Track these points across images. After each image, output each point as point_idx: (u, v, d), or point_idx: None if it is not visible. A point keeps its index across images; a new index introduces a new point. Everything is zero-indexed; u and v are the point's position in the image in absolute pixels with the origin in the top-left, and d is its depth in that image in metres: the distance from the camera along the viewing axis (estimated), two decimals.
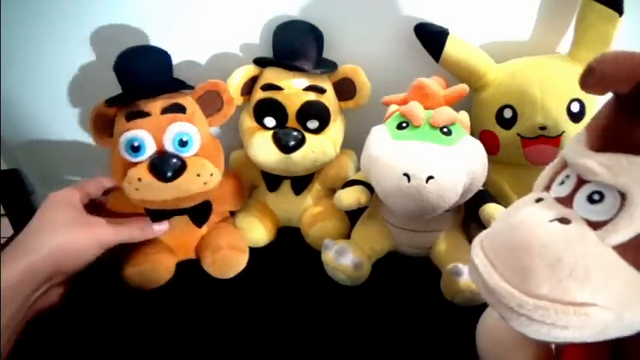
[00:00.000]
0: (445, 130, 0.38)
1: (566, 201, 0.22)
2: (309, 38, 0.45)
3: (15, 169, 0.56)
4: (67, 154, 0.55)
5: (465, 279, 0.37)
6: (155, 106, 0.37)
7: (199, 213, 0.40)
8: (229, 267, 0.42)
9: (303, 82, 0.44)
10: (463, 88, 0.41)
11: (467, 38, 0.44)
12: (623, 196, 0.20)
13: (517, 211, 0.24)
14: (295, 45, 0.44)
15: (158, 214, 0.39)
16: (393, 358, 0.36)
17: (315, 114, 0.44)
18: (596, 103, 0.42)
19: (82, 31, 0.47)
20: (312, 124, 0.44)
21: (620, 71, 0.19)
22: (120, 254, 0.41)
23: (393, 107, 0.42)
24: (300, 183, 0.48)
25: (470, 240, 0.44)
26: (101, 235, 0.36)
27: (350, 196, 0.42)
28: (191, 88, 0.40)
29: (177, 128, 0.36)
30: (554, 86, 0.41)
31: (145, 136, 0.36)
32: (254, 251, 0.46)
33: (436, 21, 0.45)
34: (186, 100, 0.39)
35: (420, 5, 0.46)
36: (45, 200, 0.37)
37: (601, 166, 0.20)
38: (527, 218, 0.22)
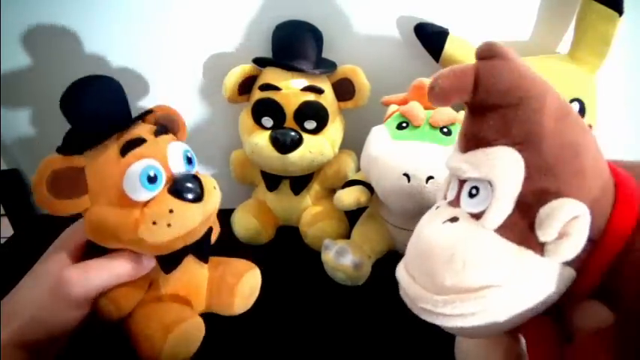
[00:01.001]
0: (445, 130, 0.38)
1: (455, 202, 0.26)
2: (308, 38, 0.45)
3: (15, 169, 0.56)
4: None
5: None
6: (143, 130, 0.31)
7: (203, 244, 0.34)
8: (255, 289, 0.38)
9: (301, 82, 0.43)
10: None
11: (467, 38, 0.44)
12: (491, 185, 0.23)
13: (422, 224, 0.27)
14: (294, 45, 0.44)
15: (171, 260, 0.33)
16: (393, 358, 0.36)
17: (312, 114, 0.44)
18: (596, 103, 0.42)
19: (80, 31, 0.47)
20: (310, 124, 0.44)
21: (455, 84, 0.23)
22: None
23: (392, 107, 0.42)
24: (299, 183, 0.48)
25: None
26: (72, 287, 0.29)
27: (350, 196, 0.42)
28: (149, 111, 0.35)
29: (179, 147, 0.32)
30: (554, 86, 0.40)
31: (156, 163, 0.30)
32: (253, 250, 0.46)
33: (436, 21, 0.45)
34: (146, 127, 0.33)
35: (420, 5, 0.46)
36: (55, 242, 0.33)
37: (466, 163, 0.24)
38: (425, 226, 0.26)
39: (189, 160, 0.32)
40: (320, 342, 0.38)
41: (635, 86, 0.48)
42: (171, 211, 0.29)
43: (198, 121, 0.53)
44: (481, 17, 0.46)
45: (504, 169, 0.22)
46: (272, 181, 0.48)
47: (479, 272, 0.22)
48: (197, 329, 0.33)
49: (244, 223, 0.48)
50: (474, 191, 0.24)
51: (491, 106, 0.23)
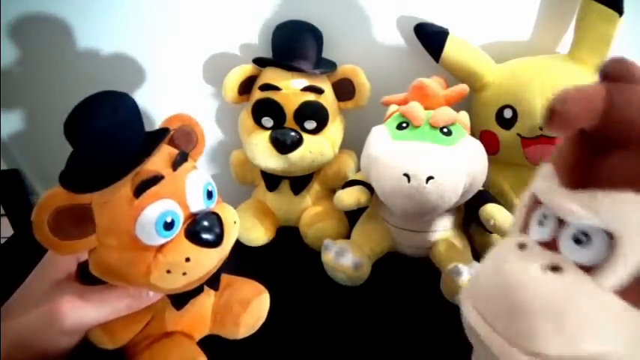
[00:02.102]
0: (445, 130, 0.38)
1: (551, 245, 0.21)
2: (309, 38, 0.45)
3: (15, 169, 0.56)
4: (67, 154, 0.55)
5: (465, 279, 0.37)
6: (160, 164, 0.27)
7: (214, 276, 0.31)
8: (262, 316, 0.35)
9: (301, 82, 0.43)
10: (463, 88, 0.41)
11: (467, 38, 0.44)
12: (610, 235, 0.19)
13: (503, 262, 0.22)
14: (294, 45, 0.44)
15: (184, 296, 0.30)
16: (393, 358, 0.36)
17: (312, 114, 0.44)
18: None
19: (83, 32, 0.47)
20: (310, 124, 0.44)
21: (584, 109, 0.19)
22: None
23: (392, 107, 0.42)
24: (299, 183, 0.48)
25: (470, 240, 0.44)
26: (62, 320, 0.26)
27: (350, 196, 0.42)
28: (167, 129, 0.30)
29: (199, 180, 0.28)
30: (554, 86, 0.40)
31: (173, 205, 0.26)
32: (253, 251, 0.46)
33: (436, 21, 0.45)
34: (169, 147, 0.30)
35: (420, 5, 0.46)
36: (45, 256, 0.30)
37: (581, 206, 0.19)
38: (517, 272, 0.21)
39: (209, 194, 0.29)
40: (320, 342, 0.38)
41: None
42: (187, 259, 0.26)
43: (198, 121, 0.53)
44: (481, 17, 0.46)
45: (638, 222, 0.18)
46: (272, 181, 0.48)
47: (596, 338, 0.18)
48: None
49: (244, 223, 0.48)
50: (582, 238, 0.20)
51: (623, 140, 0.19)
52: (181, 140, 0.31)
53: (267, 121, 0.44)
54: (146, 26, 0.47)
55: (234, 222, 0.29)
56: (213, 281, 0.31)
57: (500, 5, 0.45)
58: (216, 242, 0.27)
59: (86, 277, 0.29)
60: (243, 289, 0.35)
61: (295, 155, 0.43)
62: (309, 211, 0.48)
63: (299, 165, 0.44)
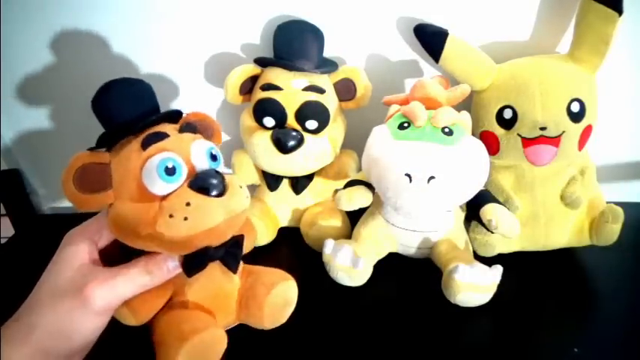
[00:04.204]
0: (447, 130, 0.38)
1: None
2: (310, 38, 0.45)
3: (15, 169, 0.56)
4: (67, 154, 0.55)
5: (466, 279, 0.37)
6: (168, 127, 0.32)
7: (231, 253, 0.33)
8: (288, 301, 0.36)
9: (302, 82, 0.44)
10: (465, 88, 0.41)
11: (467, 38, 0.44)
12: None
13: None
14: (296, 45, 0.44)
15: (195, 263, 0.31)
16: (394, 358, 0.36)
17: (314, 114, 0.44)
18: (597, 103, 0.42)
19: (81, 31, 0.47)
20: (311, 124, 0.44)
21: None
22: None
23: (394, 107, 0.42)
24: (300, 183, 0.48)
25: (470, 240, 0.44)
26: (94, 300, 0.28)
27: (351, 196, 0.42)
28: (180, 113, 0.34)
29: (203, 144, 0.31)
30: (554, 86, 0.41)
31: (176, 156, 0.29)
32: (254, 251, 0.45)
33: (436, 21, 0.45)
34: (172, 125, 0.33)
35: (420, 5, 0.46)
36: (60, 245, 0.32)
37: None
38: None
39: (214, 158, 0.32)
40: (321, 342, 0.38)
41: (635, 86, 0.49)
42: (188, 204, 0.28)
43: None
44: (481, 17, 0.46)
45: None
46: (273, 181, 0.48)
47: None
48: (217, 341, 0.32)
49: None
50: None
51: None
52: (201, 132, 0.34)
53: (269, 121, 0.44)
54: (146, 26, 0.47)
55: (240, 186, 0.31)
56: (230, 261, 0.33)
57: (500, 5, 0.45)
58: (216, 192, 0.29)
59: (111, 264, 0.31)
60: (269, 274, 0.36)
61: (296, 155, 0.43)
62: (310, 211, 0.48)
63: (300, 165, 0.44)
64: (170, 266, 0.31)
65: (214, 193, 0.29)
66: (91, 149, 0.30)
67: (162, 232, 0.28)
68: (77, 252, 0.31)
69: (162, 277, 0.31)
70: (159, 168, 0.28)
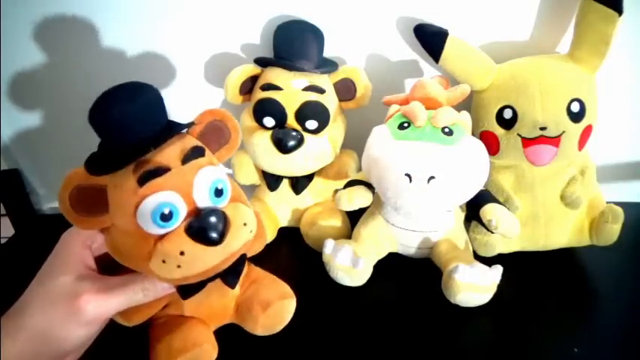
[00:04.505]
0: (447, 130, 0.38)
1: None
2: (310, 38, 0.45)
3: (15, 169, 0.56)
4: (67, 154, 0.55)
5: (466, 279, 0.37)
6: (171, 155, 0.27)
7: (232, 270, 0.31)
8: (282, 320, 0.36)
9: (302, 82, 0.44)
10: (465, 88, 0.41)
11: (467, 38, 0.44)
12: None
13: None
14: (296, 45, 0.44)
15: (191, 287, 0.30)
16: (394, 358, 0.36)
17: (314, 114, 0.44)
18: (597, 103, 0.42)
19: (81, 31, 0.47)
20: (311, 124, 0.44)
21: None
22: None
23: (394, 107, 0.42)
24: (300, 183, 0.48)
25: (470, 240, 0.44)
26: (86, 312, 0.28)
27: (351, 197, 0.42)
28: (190, 125, 0.30)
29: (208, 177, 0.28)
30: (554, 86, 0.41)
31: (174, 197, 0.27)
32: None
33: (436, 21, 0.45)
34: (193, 139, 0.30)
35: (420, 5, 0.46)
36: (56, 246, 0.32)
37: None
38: None
39: (220, 192, 0.28)
40: (321, 342, 0.38)
41: (635, 86, 0.49)
42: (182, 253, 0.26)
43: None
44: (481, 17, 0.46)
45: None
46: (273, 181, 0.48)
47: None
48: (206, 358, 0.32)
49: None
50: None
51: None
52: (211, 135, 0.31)
53: (269, 121, 0.44)
54: (146, 26, 0.47)
55: (244, 224, 0.28)
56: (229, 278, 0.31)
57: (500, 5, 0.45)
58: (213, 240, 0.26)
59: (105, 269, 0.31)
60: (268, 289, 0.36)
61: (296, 155, 0.43)
62: (310, 211, 0.48)
63: (300, 165, 0.44)
64: (165, 286, 0.31)
65: (212, 240, 0.26)
66: (86, 165, 0.27)
67: (155, 271, 0.27)
68: (72, 257, 0.30)
69: (156, 294, 0.31)
70: (154, 214, 0.26)
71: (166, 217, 0.26)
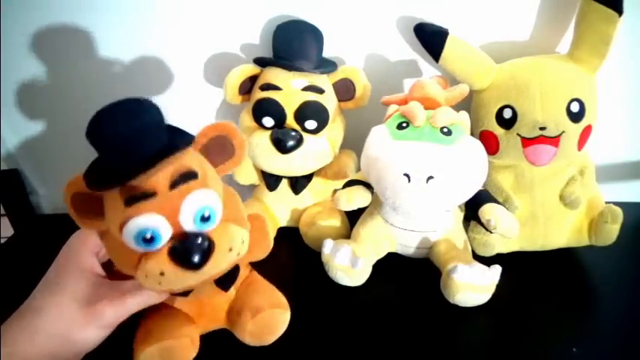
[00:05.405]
0: (445, 130, 0.38)
1: None
2: (309, 38, 0.45)
3: (15, 169, 0.56)
4: (67, 154, 0.55)
5: (465, 279, 0.37)
6: (159, 181, 0.27)
7: (226, 277, 0.31)
8: (271, 330, 0.35)
9: (302, 82, 0.44)
10: (464, 88, 0.41)
11: (467, 38, 0.44)
12: None
13: None
14: (295, 45, 0.44)
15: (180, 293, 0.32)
16: (393, 358, 0.36)
17: (313, 114, 0.44)
18: (596, 103, 0.42)
19: (80, 31, 0.47)
20: (311, 124, 0.44)
21: None
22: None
23: (393, 107, 0.42)
24: (300, 183, 0.48)
25: (469, 240, 0.44)
26: (103, 317, 0.30)
27: (350, 196, 0.42)
28: (191, 139, 0.29)
29: (195, 203, 0.28)
30: (553, 86, 0.40)
31: (158, 221, 0.27)
32: None
33: (436, 21, 0.45)
34: (190, 157, 0.29)
35: (420, 5, 0.46)
36: (64, 248, 0.33)
37: None
38: None
39: (207, 219, 0.28)
40: (320, 342, 0.38)
41: (635, 86, 0.49)
42: (162, 273, 0.27)
43: (198, 121, 0.53)
44: (481, 17, 0.46)
45: None
46: (272, 180, 0.48)
47: None
48: (183, 351, 0.33)
49: None
50: None
51: None
52: (214, 150, 0.31)
53: (268, 121, 0.44)
54: (146, 26, 0.47)
55: (230, 249, 0.28)
56: (224, 282, 0.32)
57: (500, 5, 0.45)
58: (194, 266, 0.27)
59: (111, 274, 0.33)
60: (261, 295, 0.36)
61: (295, 155, 0.43)
62: (309, 211, 0.48)
63: (299, 165, 0.44)
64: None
65: (192, 265, 0.27)
66: (85, 175, 0.28)
67: (141, 282, 0.28)
68: (83, 263, 0.32)
69: (161, 297, 0.33)
70: (136, 237, 0.27)
71: (148, 241, 0.27)
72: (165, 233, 0.27)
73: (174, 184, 0.27)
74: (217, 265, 0.28)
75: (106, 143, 0.26)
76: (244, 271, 0.38)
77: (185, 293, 0.32)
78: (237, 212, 0.32)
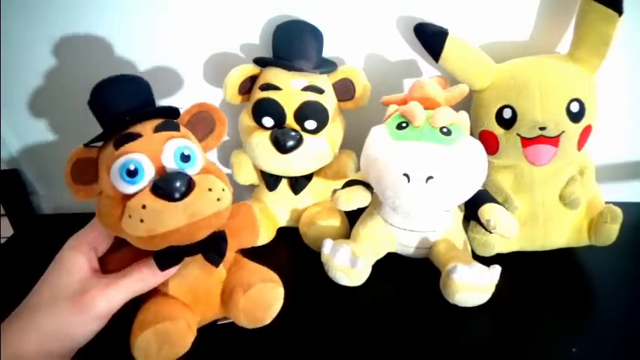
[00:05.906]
0: (445, 130, 0.38)
1: None
2: (309, 38, 0.45)
3: (15, 169, 0.56)
4: (67, 154, 0.55)
5: (464, 279, 0.37)
6: (145, 127, 0.32)
7: (214, 247, 0.32)
8: (264, 306, 0.34)
9: (301, 82, 0.44)
10: (463, 88, 0.41)
11: (467, 38, 0.44)
12: None
13: None
14: (295, 45, 0.44)
15: (168, 257, 0.32)
16: (392, 358, 0.36)
17: (313, 114, 0.44)
18: (596, 103, 0.42)
19: (80, 31, 0.47)
20: (310, 124, 0.44)
21: None
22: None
23: (392, 107, 0.42)
24: (299, 183, 0.48)
25: (469, 240, 0.44)
26: (95, 306, 0.31)
27: (349, 196, 0.42)
28: (177, 111, 0.34)
29: (176, 144, 0.31)
30: (553, 86, 0.40)
31: (141, 157, 0.30)
32: (253, 251, 0.46)
33: (436, 21, 0.45)
34: (152, 124, 0.33)
35: (420, 5, 0.46)
36: (62, 251, 0.33)
37: None
38: None
39: (187, 158, 0.31)
40: (320, 342, 0.38)
41: (635, 86, 0.49)
42: (144, 206, 0.28)
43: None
44: (481, 17, 0.46)
45: None
46: (271, 181, 0.48)
47: None
48: (179, 334, 0.32)
49: None
50: None
51: None
52: (197, 125, 0.35)
53: (268, 121, 0.44)
54: (145, 26, 0.47)
55: (210, 189, 0.30)
56: (210, 255, 0.32)
57: (500, 5, 0.45)
58: (172, 196, 0.28)
59: (110, 267, 0.34)
60: (252, 273, 0.36)
61: (295, 155, 0.43)
62: (309, 211, 0.48)
63: (299, 165, 0.44)
64: (159, 276, 0.33)
65: (174, 196, 0.29)
66: (87, 144, 0.32)
67: (125, 229, 0.29)
68: (78, 262, 0.32)
69: (156, 281, 0.33)
70: (121, 170, 0.29)
71: (132, 174, 0.29)
72: (148, 170, 0.30)
73: (157, 129, 0.32)
74: (197, 202, 0.29)
75: (102, 97, 0.32)
76: (233, 255, 0.38)
77: (166, 262, 0.32)
78: (222, 176, 0.33)
